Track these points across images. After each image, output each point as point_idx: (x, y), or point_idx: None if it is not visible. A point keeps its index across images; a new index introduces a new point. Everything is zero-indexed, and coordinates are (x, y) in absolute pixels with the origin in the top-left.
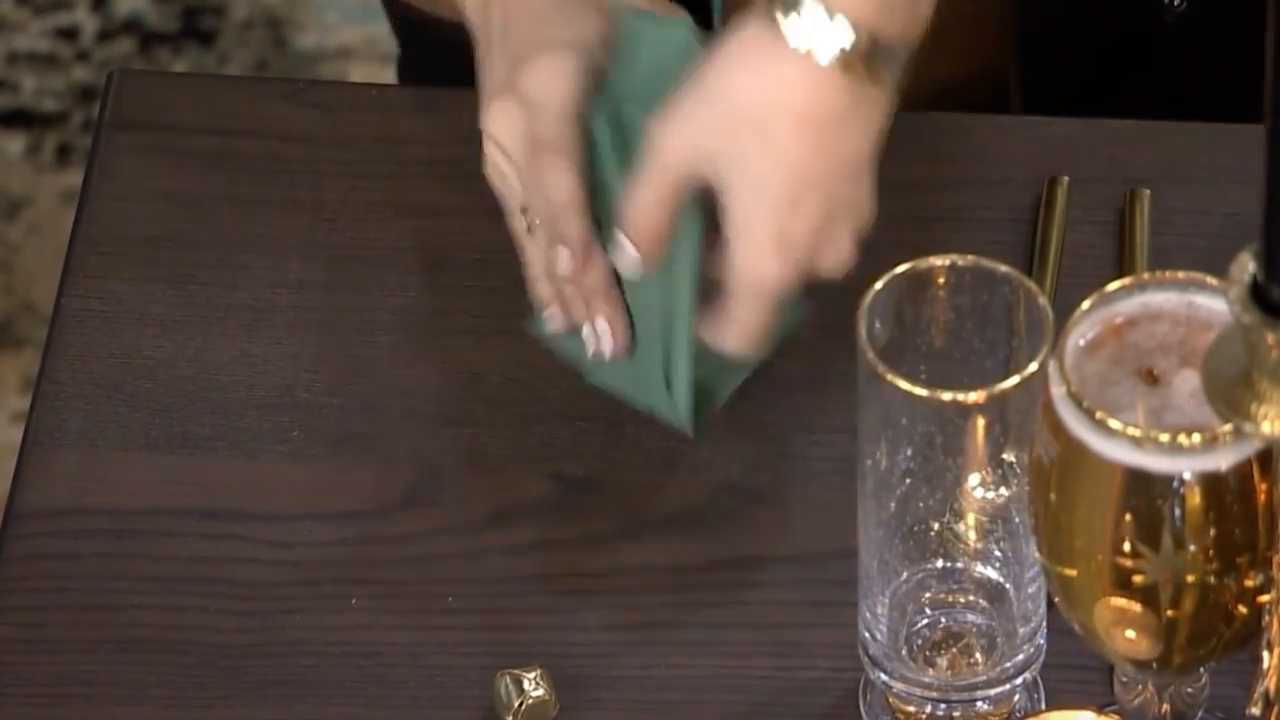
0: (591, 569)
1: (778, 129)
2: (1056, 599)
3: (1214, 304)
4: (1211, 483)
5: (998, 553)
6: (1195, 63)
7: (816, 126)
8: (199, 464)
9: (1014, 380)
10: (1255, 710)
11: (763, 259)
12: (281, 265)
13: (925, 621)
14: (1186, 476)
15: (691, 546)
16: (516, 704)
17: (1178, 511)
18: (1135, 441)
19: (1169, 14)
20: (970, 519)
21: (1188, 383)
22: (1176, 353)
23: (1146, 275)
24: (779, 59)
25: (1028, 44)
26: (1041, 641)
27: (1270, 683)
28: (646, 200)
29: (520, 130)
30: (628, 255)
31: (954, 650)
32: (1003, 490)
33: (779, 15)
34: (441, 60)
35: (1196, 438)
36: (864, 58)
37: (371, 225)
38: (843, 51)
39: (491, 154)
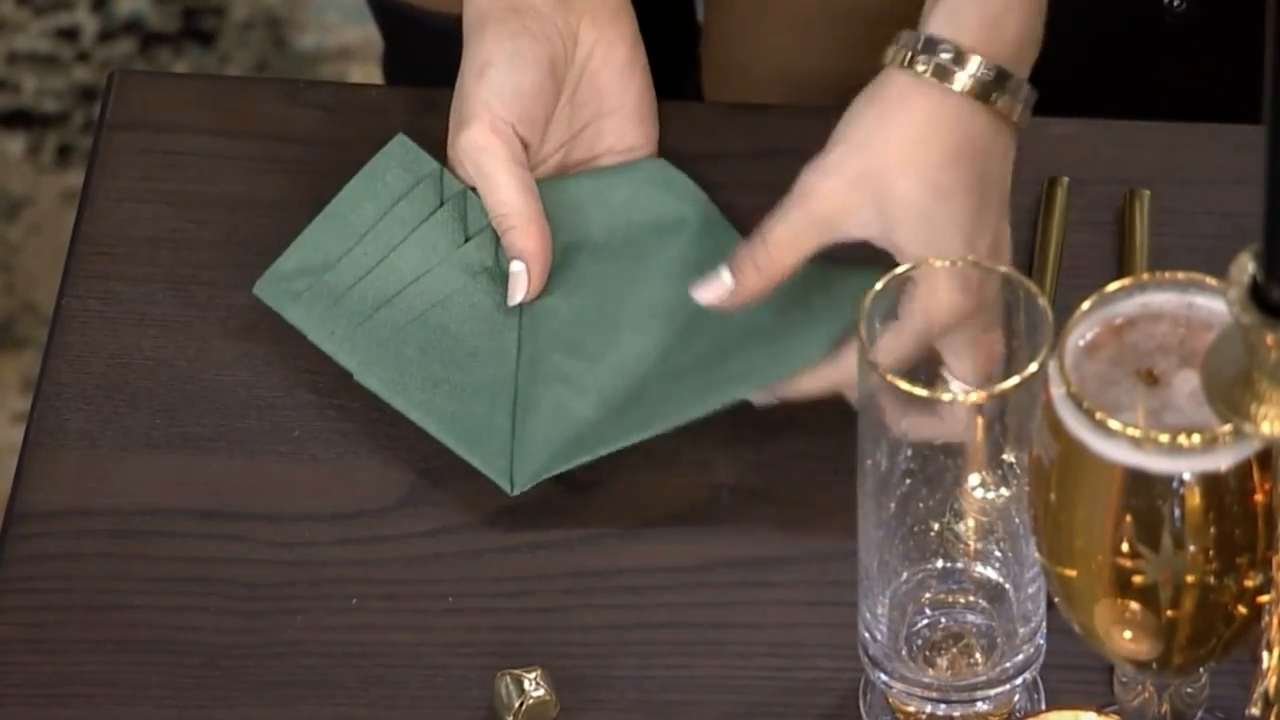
0: (592, 569)
1: (932, 161)
2: (1056, 599)
3: (1214, 304)
4: (1211, 483)
5: (998, 553)
6: (1195, 63)
7: (967, 156)
8: (200, 464)
9: (1014, 381)
10: (1255, 710)
11: (944, 292)
12: None
13: (925, 622)
14: (1186, 477)
15: (691, 546)
16: (517, 704)
17: (1177, 512)
18: (1135, 442)
19: (1169, 15)
20: (970, 519)
21: (1187, 383)
22: (1176, 353)
23: (1146, 276)
24: (919, 96)
25: None
26: (1041, 642)
27: (1270, 683)
28: (783, 240)
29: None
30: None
31: (954, 650)
32: (1002, 491)
33: (914, 61)
34: (423, 53)
35: (1196, 438)
36: (996, 88)
37: None
38: (975, 81)
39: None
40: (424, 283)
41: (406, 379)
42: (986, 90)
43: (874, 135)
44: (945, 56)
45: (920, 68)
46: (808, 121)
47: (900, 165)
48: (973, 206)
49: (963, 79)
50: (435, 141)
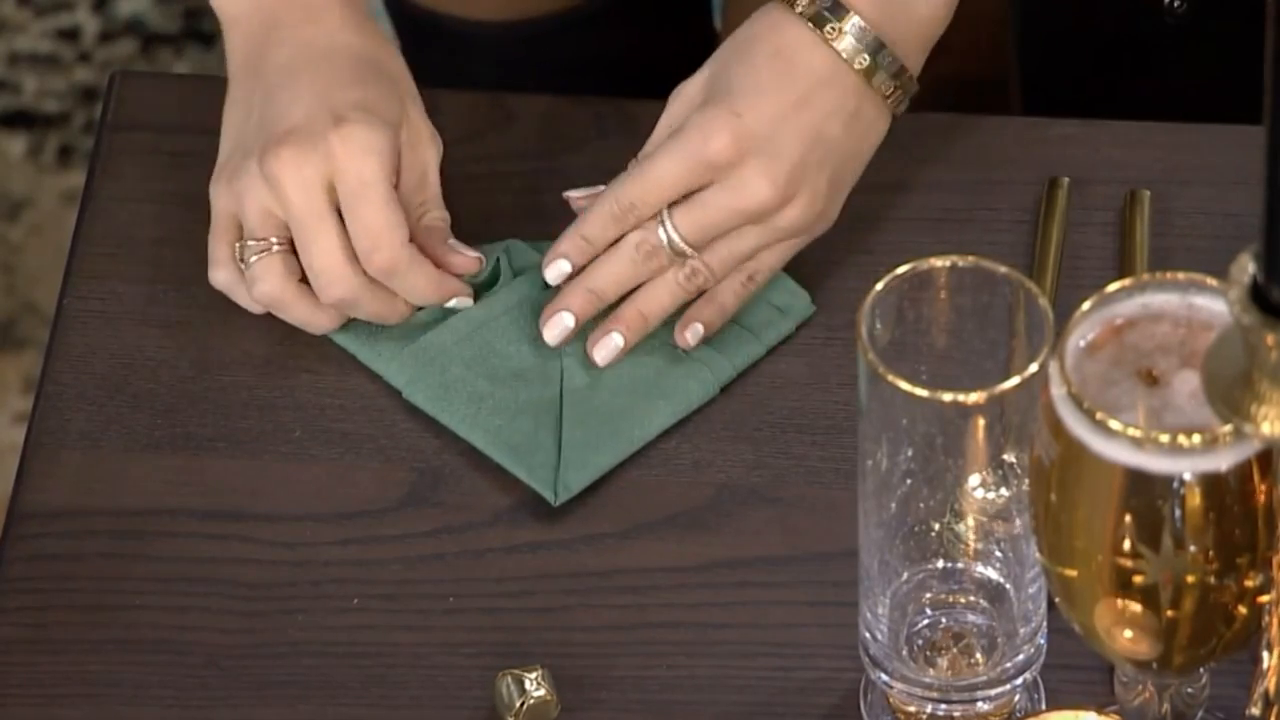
0: (592, 569)
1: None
2: (1057, 599)
3: (1214, 305)
4: (1211, 483)
5: (998, 553)
6: (1195, 64)
7: (850, 118)
8: (201, 464)
9: (1014, 381)
10: (1255, 710)
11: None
12: None
13: (926, 622)
14: (1186, 477)
15: (691, 546)
16: (518, 704)
17: (1178, 512)
18: (1135, 442)
19: (1169, 15)
20: (971, 519)
21: (1188, 383)
22: (1176, 353)
23: (1146, 276)
24: (817, 56)
25: (1028, 45)
26: (1042, 642)
27: (1270, 683)
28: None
29: (313, 184)
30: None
31: (954, 650)
32: (1003, 491)
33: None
34: (441, 57)
35: (1196, 438)
36: (889, 74)
37: None
38: (871, 59)
39: (259, 196)
40: (471, 311)
41: (452, 394)
42: (823, 21)
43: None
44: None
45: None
46: None
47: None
48: (769, 85)
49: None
50: None
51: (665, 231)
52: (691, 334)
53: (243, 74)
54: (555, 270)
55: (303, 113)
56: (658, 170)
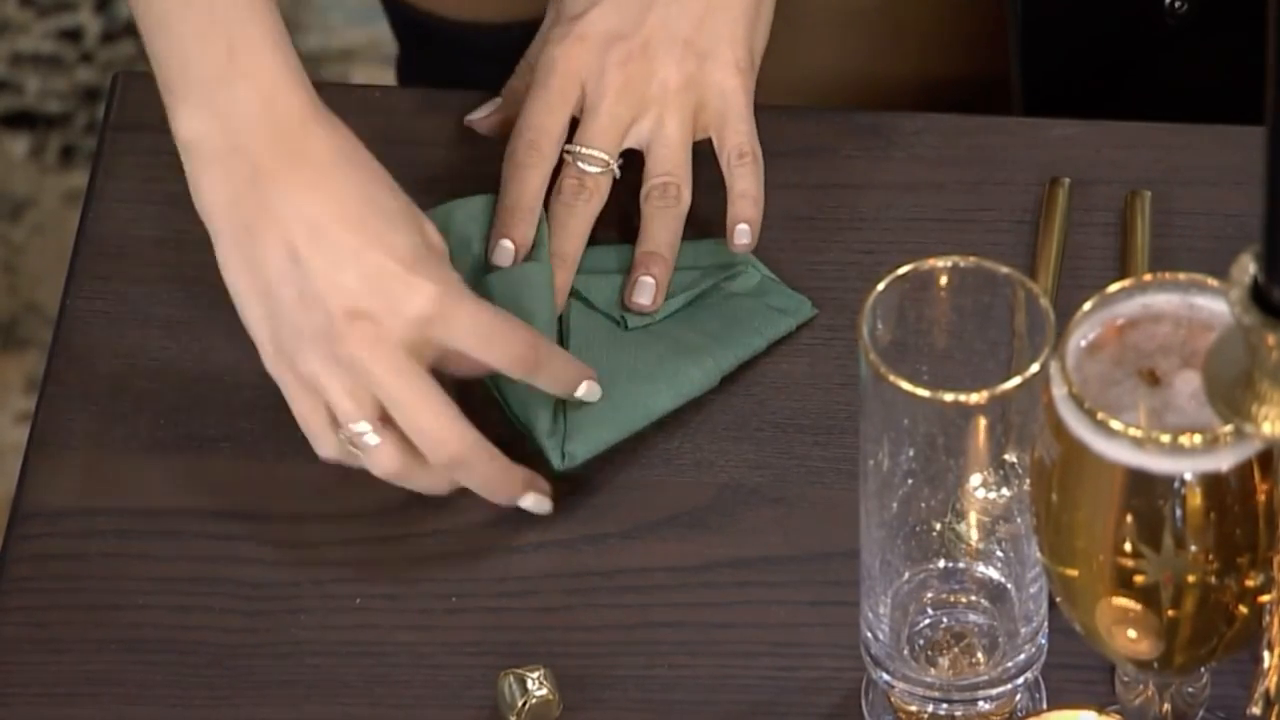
0: (594, 569)
1: None
2: (1058, 599)
3: (1215, 305)
4: (1212, 483)
5: (999, 553)
6: (1196, 64)
7: None
8: (204, 465)
9: (1015, 381)
10: (1256, 710)
11: None
12: None
13: (927, 621)
14: (1187, 477)
15: (693, 546)
16: (520, 703)
17: (1179, 512)
18: (1136, 442)
19: (1170, 16)
20: (972, 519)
21: (1189, 384)
22: (1177, 354)
23: (1147, 276)
24: None
25: (1029, 45)
26: (1043, 641)
27: (1270, 683)
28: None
29: (400, 355)
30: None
31: (956, 650)
32: (1004, 491)
33: None
34: (440, 59)
35: (1197, 438)
36: None
37: None
38: None
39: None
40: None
41: None
42: None
43: None
44: None
45: None
46: (827, 123)
47: None
48: None
49: None
50: (438, 141)
51: (580, 163)
52: (740, 235)
53: (231, 217)
54: (502, 252)
55: (354, 277)
56: (535, 109)
